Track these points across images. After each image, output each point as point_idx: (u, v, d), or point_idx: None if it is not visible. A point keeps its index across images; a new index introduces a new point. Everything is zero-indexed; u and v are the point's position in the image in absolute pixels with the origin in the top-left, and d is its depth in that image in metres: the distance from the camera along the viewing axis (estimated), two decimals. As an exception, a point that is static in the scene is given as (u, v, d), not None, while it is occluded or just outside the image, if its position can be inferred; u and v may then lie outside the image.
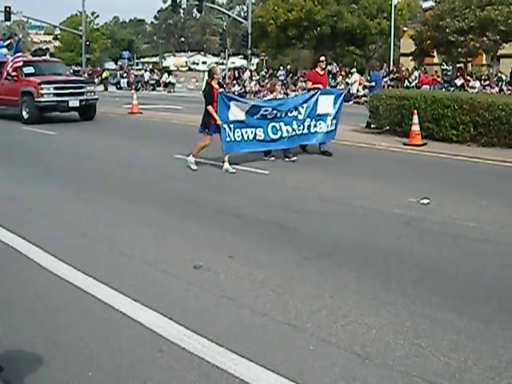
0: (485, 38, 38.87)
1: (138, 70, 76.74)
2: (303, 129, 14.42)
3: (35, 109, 22.87)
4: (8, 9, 53.58)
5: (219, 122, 12.64)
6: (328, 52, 60.56)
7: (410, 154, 15.75)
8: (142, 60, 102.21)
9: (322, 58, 15.90)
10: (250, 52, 55.41)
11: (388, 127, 19.01)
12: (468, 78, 39.38)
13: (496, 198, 10.37)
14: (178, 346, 4.65)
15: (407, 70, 43.00)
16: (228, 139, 12.89)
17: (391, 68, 47.42)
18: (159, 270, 6.39)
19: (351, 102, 38.84)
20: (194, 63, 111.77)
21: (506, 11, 37.89)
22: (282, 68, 51.87)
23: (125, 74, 65.80)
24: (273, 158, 14.16)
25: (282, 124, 13.84)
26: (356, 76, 41.39)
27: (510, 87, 37.05)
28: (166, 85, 57.62)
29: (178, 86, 61.65)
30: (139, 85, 58.31)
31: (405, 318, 5.20)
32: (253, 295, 5.68)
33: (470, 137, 16.63)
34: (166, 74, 61.89)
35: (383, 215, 8.98)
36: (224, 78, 52.99)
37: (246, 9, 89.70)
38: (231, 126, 12.93)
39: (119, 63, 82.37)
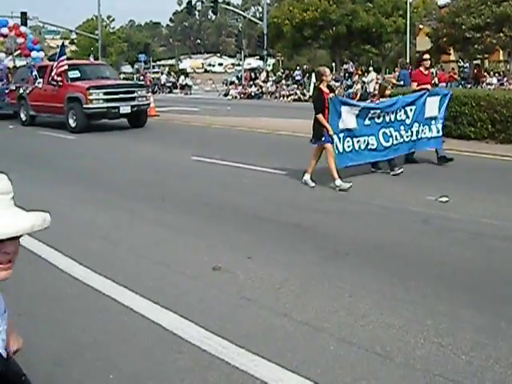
0: (501, 34, 38.73)
1: (154, 72, 76.93)
2: (411, 135, 12.99)
3: (83, 116, 21.13)
4: (24, 14, 53.84)
5: (331, 133, 11.21)
6: (344, 51, 60.68)
7: (428, 151, 15.66)
8: (158, 63, 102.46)
9: (427, 56, 14.43)
10: (265, 53, 55.42)
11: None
12: (485, 74, 39.15)
13: (515, 194, 10.31)
14: (199, 348, 4.65)
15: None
16: (337, 151, 11.49)
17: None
18: (178, 272, 6.41)
19: (368, 101, 38.72)
20: (210, 65, 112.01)
21: (523, 6, 37.71)
22: (298, 68, 51.74)
23: (141, 77, 66.07)
24: (381, 171, 12.68)
25: (392, 130, 12.56)
26: (373, 75, 41.19)
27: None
28: (183, 87, 57.79)
29: (194, 88, 61.86)
30: (156, 87, 58.45)
31: (425, 317, 5.18)
32: (272, 296, 5.68)
33: (488, 134, 16.52)
34: (182, 77, 62.09)
35: (402, 214, 8.95)
36: (240, 78, 53.06)
37: (261, 9, 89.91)
38: (341, 135, 11.60)
39: (136, 66, 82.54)
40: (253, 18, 72.47)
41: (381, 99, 13.17)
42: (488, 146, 15.75)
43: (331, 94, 11.70)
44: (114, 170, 13.50)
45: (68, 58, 31.40)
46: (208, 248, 7.32)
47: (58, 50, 23.37)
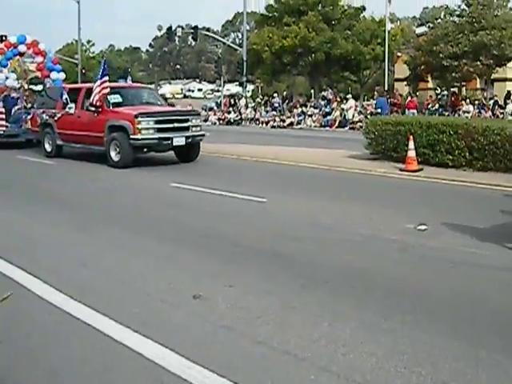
0: (478, 63, 39.17)
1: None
2: None
3: (129, 148, 17.95)
4: (4, 37, 53.75)
5: None
6: (323, 78, 60.98)
7: (407, 179, 15.78)
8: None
9: None
10: (245, 79, 55.65)
11: (384, 153, 19.04)
12: (462, 102, 39.53)
13: (493, 222, 10.38)
14: (179, 377, 4.63)
15: (401, 95, 43.16)
16: None
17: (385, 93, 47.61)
18: (159, 300, 6.39)
19: (347, 128, 39.01)
20: (189, 90, 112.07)
21: (499, 35, 38.21)
22: (277, 94, 52.00)
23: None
24: None
25: None
26: (351, 102, 41.56)
27: (502, 110, 37.18)
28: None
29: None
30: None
31: (405, 346, 5.20)
32: (252, 324, 5.68)
33: (465, 162, 16.68)
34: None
35: (380, 241, 8.99)
36: (219, 104, 53.18)
37: (240, 36, 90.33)
38: None
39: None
40: (232, 45, 72.94)
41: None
42: (466, 174, 15.89)
43: None
44: (94, 196, 13.45)
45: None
46: (188, 276, 7.31)
47: (101, 68, 19.73)
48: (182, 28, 64.07)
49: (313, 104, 47.47)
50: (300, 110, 44.86)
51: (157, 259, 8.11)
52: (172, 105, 25.06)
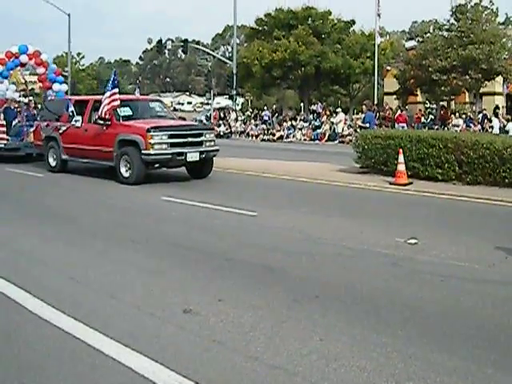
0: (467, 77, 39.41)
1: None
2: None
3: (141, 164, 17.07)
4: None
5: None
6: (312, 92, 61.18)
7: (396, 193, 15.81)
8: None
9: None
10: (235, 92, 55.69)
11: (374, 167, 19.08)
12: (451, 115, 39.70)
13: (483, 236, 10.43)
14: (170, 392, 4.62)
15: (390, 109, 43.33)
16: None
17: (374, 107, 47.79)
18: (149, 315, 6.36)
19: (336, 142, 39.10)
20: (179, 103, 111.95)
21: (488, 50, 38.44)
22: (266, 108, 52.11)
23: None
24: None
25: None
26: (341, 115, 41.67)
27: (491, 124, 37.37)
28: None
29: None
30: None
31: (396, 360, 5.20)
32: (243, 339, 5.66)
33: (455, 175, 16.75)
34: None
35: (371, 255, 9.00)
36: (209, 118, 53.18)
37: (230, 49, 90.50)
38: None
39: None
40: (222, 58, 73.09)
41: None
42: (455, 188, 15.94)
43: None
44: (82, 209, 13.41)
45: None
46: (178, 290, 7.28)
47: (111, 79, 18.57)
48: (172, 41, 64.11)
49: (302, 117, 47.58)
50: (290, 123, 44.94)
51: (146, 273, 8.08)
52: (183, 118, 24.02)
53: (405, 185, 16.53)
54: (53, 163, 20.58)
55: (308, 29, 55.54)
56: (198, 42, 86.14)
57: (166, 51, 74.93)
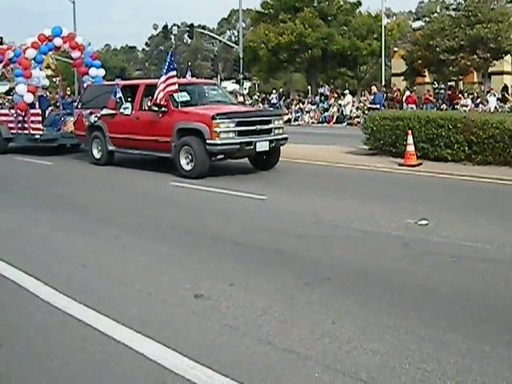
0: (475, 56, 39.28)
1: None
2: None
3: (205, 155, 15.35)
4: (0, 39, 53.73)
5: None
6: (320, 74, 61.01)
7: (406, 174, 15.76)
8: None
9: None
10: (241, 76, 55.53)
11: (382, 148, 19.01)
12: (460, 95, 39.53)
13: (494, 216, 10.39)
14: (183, 378, 4.60)
15: (398, 90, 43.18)
16: None
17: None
18: (160, 300, 6.35)
19: (344, 124, 39.02)
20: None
21: (496, 29, 38.28)
22: (274, 91, 51.98)
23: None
24: None
25: None
26: (348, 97, 41.59)
27: (501, 104, 37.21)
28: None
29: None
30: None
31: (409, 342, 5.17)
32: (255, 323, 5.65)
33: (464, 156, 16.68)
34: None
35: (382, 237, 8.97)
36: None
37: (236, 33, 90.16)
38: None
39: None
40: (228, 42, 72.76)
41: None
42: (465, 168, 15.88)
43: None
44: (92, 196, 13.41)
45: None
46: (189, 275, 7.26)
47: (166, 62, 16.78)
48: (178, 26, 64.14)
49: (310, 100, 47.47)
50: (297, 106, 44.83)
51: (157, 259, 8.07)
52: (242, 103, 22.66)
53: (414, 166, 16.47)
54: (97, 155, 18.87)
55: (314, 11, 55.40)
56: (203, 27, 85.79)
57: (172, 36, 74.66)
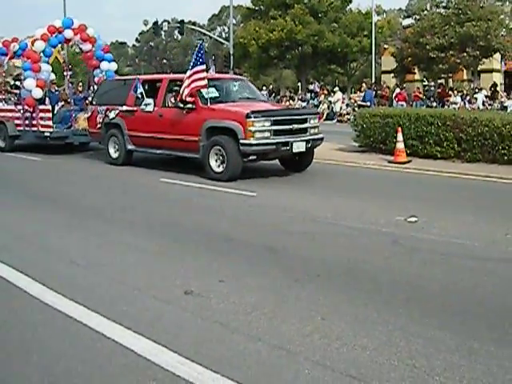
0: (465, 54, 39.42)
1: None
2: None
3: (238, 156, 14.25)
4: (-11, 34, 53.51)
5: None
6: (310, 71, 61.03)
7: (396, 171, 15.82)
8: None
9: None
10: (232, 72, 55.52)
11: (372, 145, 19.06)
12: (449, 93, 39.64)
13: (482, 213, 10.45)
14: (173, 374, 4.61)
15: (388, 87, 43.27)
16: None
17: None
18: (150, 297, 6.36)
19: (334, 121, 39.03)
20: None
21: (485, 27, 38.43)
22: (264, 88, 51.95)
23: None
24: None
25: None
26: (339, 94, 41.61)
27: (489, 101, 37.36)
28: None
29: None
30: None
31: (398, 339, 5.20)
32: (245, 320, 5.66)
33: (454, 153, 16.77)
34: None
35: (371, 234, 9.00)
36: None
37: (227, 30, 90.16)
38: None
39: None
40: (219, 39, 72.70)
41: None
42: (454, 165, 15.97)
43: None
44: (82, 193, 13.37)
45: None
46: (179, 272, 7.27)
47: (195, 54, 15.43)
48: (168, 22, 64.11)
49: (300, 97, 47.48)
50: (287, 103, 44.82)
51: (147, 255, 8.08)
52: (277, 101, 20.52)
53: (404, 163, 16.54)
54: (114, 154, 17.66)
55: (304, 8, 55.39)
56: (194, 23, 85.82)
57: (163, 33, 74.77)
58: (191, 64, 15.12)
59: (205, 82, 14.91)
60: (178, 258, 7.94)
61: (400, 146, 16.88)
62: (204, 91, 15.10)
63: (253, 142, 13.96)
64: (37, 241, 8.99)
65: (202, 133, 14.72)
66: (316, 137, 15.36)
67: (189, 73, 14.97)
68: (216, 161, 14.46)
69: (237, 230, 9.53)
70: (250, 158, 14.72)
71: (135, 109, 16.81)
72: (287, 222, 10.05)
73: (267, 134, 14.20)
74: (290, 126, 14.57)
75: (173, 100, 16.22)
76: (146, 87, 17.27)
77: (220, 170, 14.38)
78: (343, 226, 9.54)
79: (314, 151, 15.75)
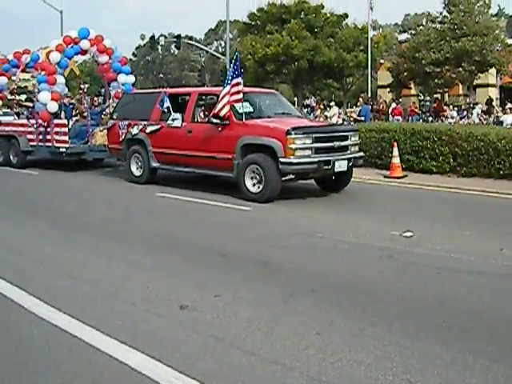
0: (460, 69, 39.57)
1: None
2: None
3: (277, 175, 13.35)
4: (-14, 49, 53.58)
5: None
6: (306, 86, 61.11)
7: (391, 186, 15.84)
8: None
9: None
10: (228, 87, 55.60)
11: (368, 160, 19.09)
12: (445, 107, 39.77)
13: (478, 228, 10.46)
14: (167, 388, 4.61)
15: (384, 101, 43.37)
16: None
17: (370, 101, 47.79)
18: (145, 311, 6.35)
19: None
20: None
21: (481, 42, 38.61)
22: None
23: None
24: None
25: None
26: (335, 109, 41.55)
27: (485, 116, 37.46)
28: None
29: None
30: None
31: (393, 353, 5.20)
32: (240, 334, 5.65)
33: (449, 168, 16.81)
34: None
35: (367, 249, 9.00)
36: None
37: (223, 44, 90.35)
38: None
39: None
40: (215, 53, 72.91)
41: None
42: (450, 180, 16.00)
43: None
44: (79, 207, 13.37)
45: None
46: (175, 286, 7.27)
47: (232, 67, 14.54)
48: (165, 37, 64.07)
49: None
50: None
51: (143, 269, 8.06)
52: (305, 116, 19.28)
53: (399, 178, 16.57)
54: (137, 172, 16.72)
55: (301, 23, 55.44)
56: (190, 38, 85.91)
57: (159, 47, 74.88)
58: (229, 77, 14.16)
59: (240, 95, 14.04)
60: (173, 273, 7.93)
61: (396, 160, 16.92)
62: (238, 106, 14.18)
63: (293, 160, 13.07)
64: (32, 254, 8.95)
65: (236, 150, 13.85)
66: (357, 155, 14.56)
67: (228, 88, 13.98)
68: (252, 180, 13.60)
69: (232, 245, 9.52)
70: (288, 177, 13.85)
71: (162, 125, 15.93)
72: (282, 236, 10.05)
73: (308, 152, 13.31)
74: (332, 144, 13.75)
75: (202, 115, 15.64)
76: (173, 102, 16.31)
77: (256, 190, 13.51)
78: (338, 241, 9.54)
79: (353, 170, 14.86)
